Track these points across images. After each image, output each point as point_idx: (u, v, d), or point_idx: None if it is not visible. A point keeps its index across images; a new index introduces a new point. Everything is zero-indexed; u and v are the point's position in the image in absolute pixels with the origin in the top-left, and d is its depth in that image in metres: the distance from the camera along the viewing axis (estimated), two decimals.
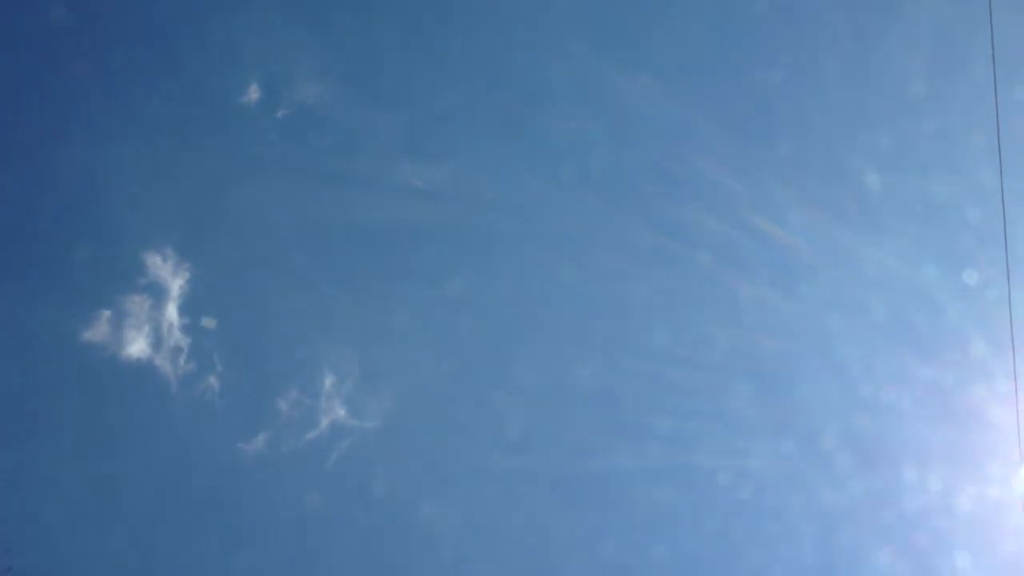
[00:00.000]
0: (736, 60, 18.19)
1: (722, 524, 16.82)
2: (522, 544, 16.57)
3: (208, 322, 15.11)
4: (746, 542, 16.62)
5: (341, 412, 15.50)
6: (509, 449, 16.74)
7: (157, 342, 14.24)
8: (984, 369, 16.19)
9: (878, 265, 17.22)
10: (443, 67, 17.94)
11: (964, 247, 16.48)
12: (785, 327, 17.51)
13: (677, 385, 17.34)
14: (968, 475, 16.11)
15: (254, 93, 16.68)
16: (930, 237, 17.07)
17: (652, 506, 17.01)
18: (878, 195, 17.36)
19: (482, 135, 17.98)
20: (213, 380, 14.39)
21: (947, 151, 17.14)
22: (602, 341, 17.60)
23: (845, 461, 16.56)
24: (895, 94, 17.52)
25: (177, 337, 14.25)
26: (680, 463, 17.08)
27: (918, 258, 17.05)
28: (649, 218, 17.89)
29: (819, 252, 17.55)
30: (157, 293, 14.67)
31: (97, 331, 14.29)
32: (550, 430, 17.02)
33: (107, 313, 14.21)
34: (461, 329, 17.38)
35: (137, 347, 14.27)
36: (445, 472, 16.51)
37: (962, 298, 16.54)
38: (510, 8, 18.11)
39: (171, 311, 14.36)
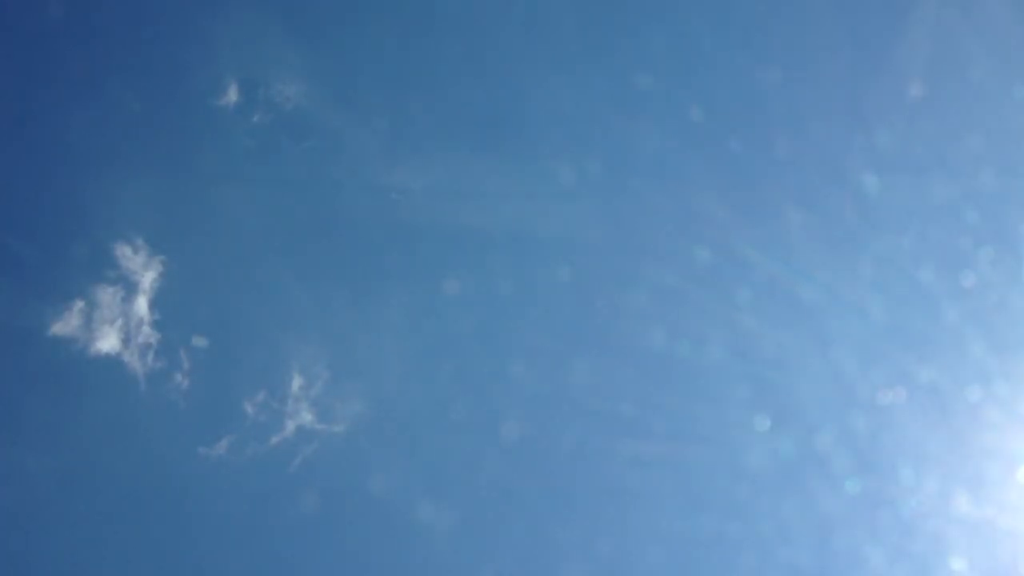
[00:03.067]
0: (733, 58, 18.03)
1: (719, 525, 16.62)
2: (493, 550, 16.26)
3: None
4: (743, 543, 16.42)
5: (308, 416, 15.21)
6: (482, 454, 16.50)
7: (126, 338, 13.89)
8: (983, 370, 15.98)
9: (877, 265, 16.99)
10: (425, 69, 17.79)
11: (963, 247, 16.22)
12: (783, 327, 17.25)
13: (670, 385, 17.11)
14: (967, 477, 15.89)
15: (232, 95, 16.51)
16: (929, 237, 16.80)
17: (643, 512, 16.75)
18: (877, 195, 17.13)
19: (464, 138, 17.81)
20: (181, 378, 14.06)
21: (946, 151, 16.93)
22: (588, 344, 17.32)
23: (843, 462, 16.34)
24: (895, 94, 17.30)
25: (147, 333, 13.89)
26: (675, 463, 16.87)
27: (917, 259, 16.80)
28: (642, 217, 17.66)
29: (817, 253, 17.35)
30: (128, 288, 14.35)
31: (65, 324, 13.95)
32: (526, 434, 16.74)
33: (76, 307, 13.88)
34: (435, 333, 17.19)
35: (106, 342, 13.92)
36: (412, 477, 16.26)
37: (961, 298, 16.29)
38: (494, 9, 17.97)
39: (141, 307, 14.01)
